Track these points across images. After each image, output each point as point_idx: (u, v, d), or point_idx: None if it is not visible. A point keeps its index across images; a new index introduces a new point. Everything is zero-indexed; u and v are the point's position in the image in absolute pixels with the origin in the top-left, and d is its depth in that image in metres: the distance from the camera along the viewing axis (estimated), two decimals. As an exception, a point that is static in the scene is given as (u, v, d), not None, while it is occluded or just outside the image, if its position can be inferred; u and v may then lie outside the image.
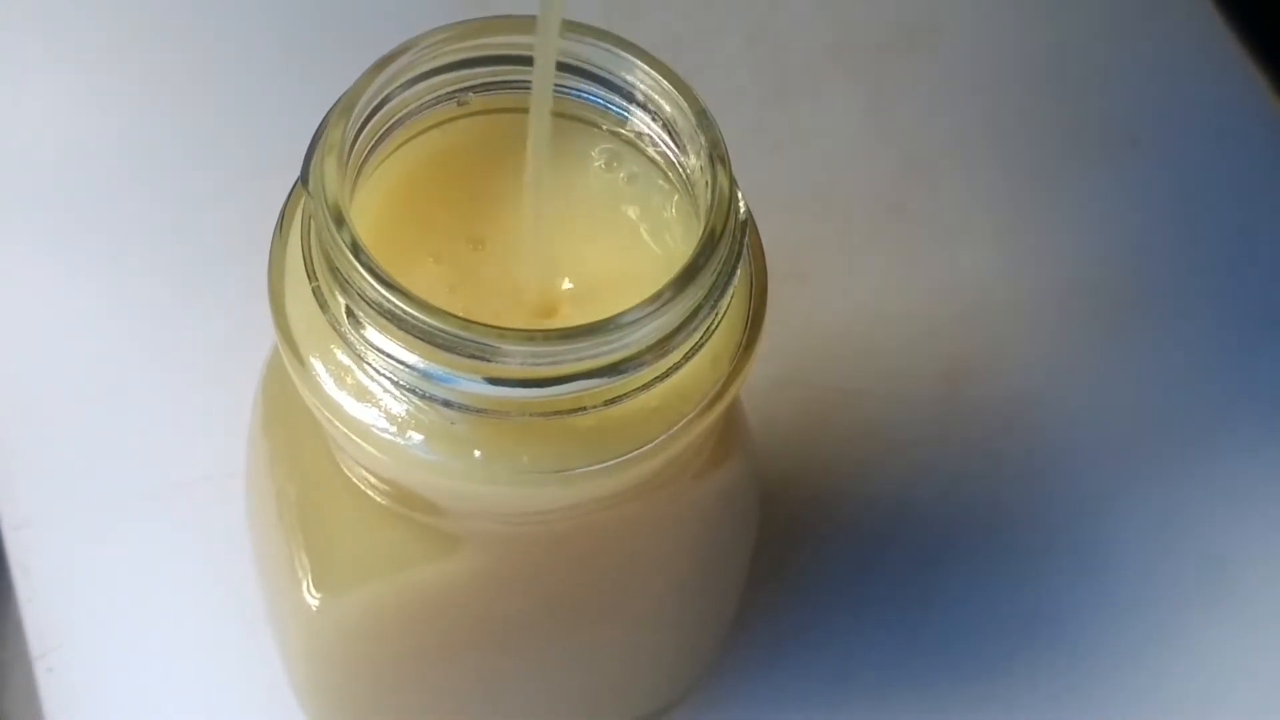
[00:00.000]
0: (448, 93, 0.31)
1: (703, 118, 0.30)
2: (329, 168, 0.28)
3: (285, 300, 0.30)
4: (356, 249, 0.28)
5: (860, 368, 0.45)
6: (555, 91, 0.30)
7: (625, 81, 0.31)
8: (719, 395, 0.30)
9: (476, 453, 0.29)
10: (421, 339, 0.27)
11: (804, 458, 0.44)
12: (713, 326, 0.29)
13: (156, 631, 0.41)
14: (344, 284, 0.28)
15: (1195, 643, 0.43)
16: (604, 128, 0.32)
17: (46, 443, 0.43)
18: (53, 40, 0.49)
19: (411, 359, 0.28)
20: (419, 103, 0.31)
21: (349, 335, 0.28)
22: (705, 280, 0.28)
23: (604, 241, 0.32)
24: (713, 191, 0.29)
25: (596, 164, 0.32)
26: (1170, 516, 0.44)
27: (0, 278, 0.45)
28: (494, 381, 0.28)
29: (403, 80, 0.30)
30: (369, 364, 0.29)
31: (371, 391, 0.29)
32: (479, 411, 0.28)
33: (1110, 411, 0.45)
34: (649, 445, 0.29)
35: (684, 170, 0.31)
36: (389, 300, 0.27)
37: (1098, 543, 0.44)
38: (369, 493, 0.32)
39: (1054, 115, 0.50)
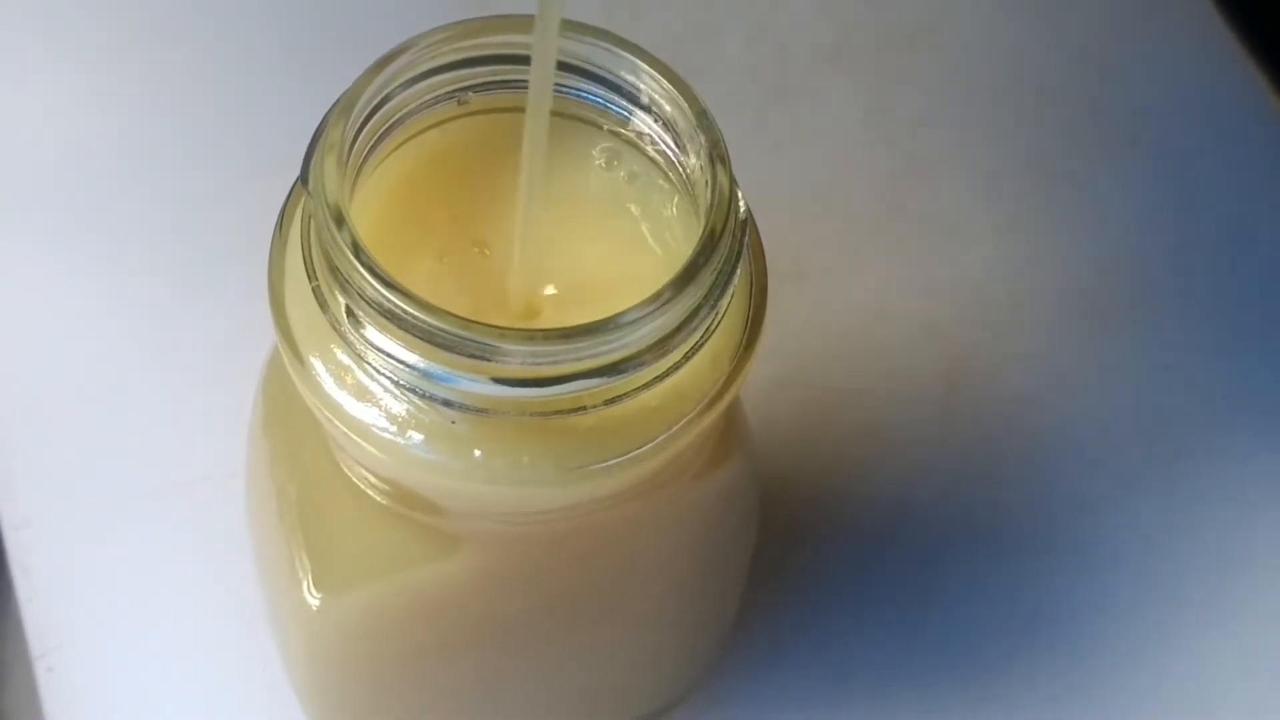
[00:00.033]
0: (447, 92, 0.31)
1: (703, 117, 0.30)
2: (329, 167, 0.28)
3: (285, 300, 0.30)
4: (356, 249, 0.28)
5: (860, 368, 0.45)
6: (555, 91, 0.30)
7: (625, 81, 0.31)
8: (719, 395, 0.30)
9: (476, 452, 0.29)
10: (422, 338, 0.27)
11: (804, 458, 0.44)
12: (713, 326, 0.29)
13: (156, 631, 0.41)
14: (344, 283, 0.28)
15: (1195, 643, 0.43)
16: (604, 127, 0.32)
17: (46, 443, 0.43)
18: (53, 40, 0.49)
19: (412, 358, 0.28)
20: (419, 102, 0.31)
21: (349, 335, 0.28)
22: (705, 280, 0.28)
23: (604, 241, 0.32)
24: (713, 191, 0.29)
25: (596, 163, 0.32)
26: (1170, 516, 0.44)
27: (0, 278, 0.45)
28: (494, 381, 0.28)
29: (402, 80, 0.30)
30: (369, 363, 0.29)
31: (371, 391, 0.29)
32: (479, 411, 0.28)
33: (1110, 411, 0.45)
34: (649, 445, 0.29)
35: (684, 170, 0.31)
36: (389, 300, 0.27)
37: (1098, 543, 0.44)
38: (369, 492, 0.32)
39: (1054, 115, 0.50)
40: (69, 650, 0.41)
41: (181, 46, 0.49)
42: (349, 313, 0.28)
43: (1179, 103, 0.50)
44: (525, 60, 0.30)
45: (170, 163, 0.47)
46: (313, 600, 0.33)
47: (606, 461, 0.29)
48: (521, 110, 0.30)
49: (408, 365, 0.28)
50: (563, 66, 0.30)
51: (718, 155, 0.29)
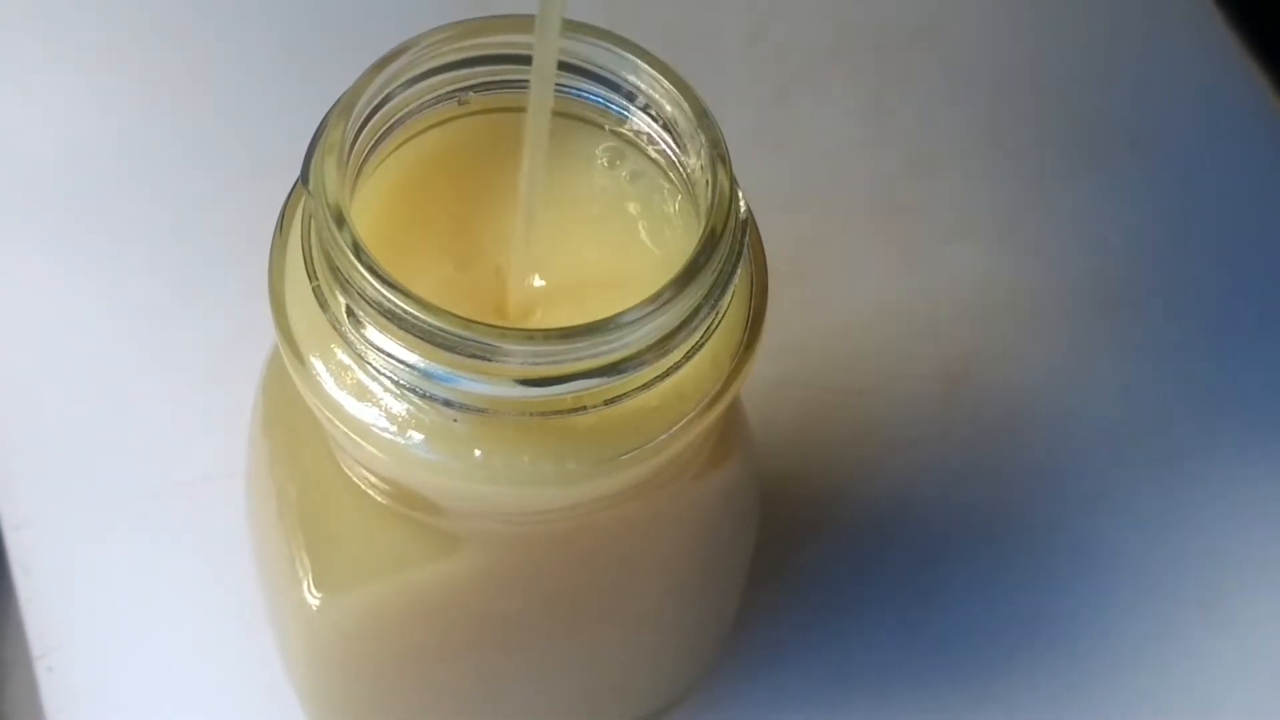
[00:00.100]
0: (448, 92, 0.31)
1: (703, 117, 0.30)
2: (329, 167, 0.28)
3: (285, 300, 0.30)
4: (357, 249, 0.28)
5: (860, 368, 0.45)
6: (556, 91, 0.30)
7: (626, 81, 0.31)
8: (719, 395, 0.30)
9: (477, 452, 0.29)
10: (422, 338, 0.27)
11: (804, 458, 0.44)
12: (713, 326, 0.29)
13: (156, 631, 0.41)
14: (344, 283, 0.28)
15: (1195, 643, 0.43)
16: (605, 127, 0.32)
17: (46, 443, 0.43)
18: (53, 40, 0.49)
19: (412, 358, 0.28)
20: (419, 102, 0.31)
21: (349, 335, 0.28)
22: (705, 280, 0.28)
23: (604, 242, 0.32)
24: (713, 191, 0.29)
25: (597, 163, 0.32)
26: (1170, 516, 0.44)
27: (0, 278, 0.45)
28: (494, 381, 0.28)
29: (403, 80, 0.30)
30: (369, 363, 0.29)
31: (372, 391, 0.29)
32: (479, 411, 0.28)
33: (1110, 411, 0.45)
34: (649, 445, 0.29)
35: (684, 170, 0.31)
36: (389, 300, 0.27)
37: (1098, 543, 0.44)
38: (369, 492, 0.32)
39: (1054, 115, 0.50)
40: (69, 650, 0.41)
41: (181, 46, 0.49)
42: (349, 312, 0.28)
43: (1179, 103, 0.50)
44: (526, 60, 0.30)
45: (170, 163, 0.47)
46: (313, 600, 0.33)
47: (606, 461, 0.29)
48: (522, 110, 0.30)
49: (408, 365, 0.28)
50: (563, 66, 0.30)
51: (718, 155, 0.29)
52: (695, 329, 0.29)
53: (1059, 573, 0.43)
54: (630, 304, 0.28)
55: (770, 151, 0.48)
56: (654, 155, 0.31)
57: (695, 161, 0.30)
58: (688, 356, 0.29)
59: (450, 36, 0.30)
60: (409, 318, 0.27)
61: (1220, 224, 0.49)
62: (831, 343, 0.46)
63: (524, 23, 0.30)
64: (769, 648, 0.42)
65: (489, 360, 0.27)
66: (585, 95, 0.31)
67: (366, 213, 0.31)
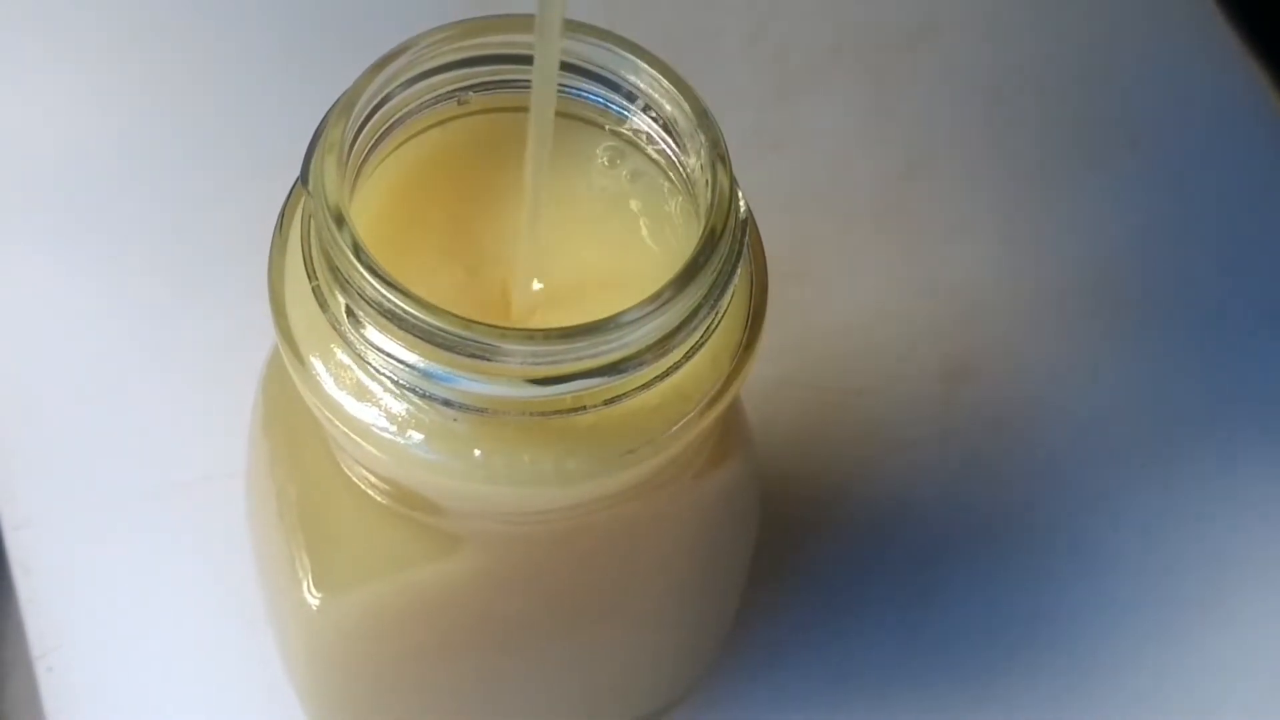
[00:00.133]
0: (447, 92, 0.31)
1: (703, 117, 0.30)
2: (329, 167, 0.28)
3: (285, 300, 0.30)
4: (357, 248, 0.28)
5: (860, 368, 0.45)
6: (558, 91, 0.30)
7: (626, 81, 0.31)
8: (719, 395, 0.30)
9: (477, 452, 0.29)
10: (422, 338, 0.27)
11: (804, 458, 0.44)
12: (713, 326, 0.29)
13: (156, 631, 0.41)
14: (344, 283, 0.28)
15: (1195, 643, 0.43)
16: (605, 127, 0.32)
17: (46, 443, 0.43)
18: (53, 40, 0.49)
19: (412, 358, 0.28)
20: (419, 102, 0.31)
21: (349, 334, 0.28)
22: (705, 279, 0.28)
23: (603, 241, 0.32)
24: (713, 191, 0.29)
25: (597, 163, 0.32)
26: (1170, 516, 0.44)
27: (0, 278, 0.45)
28: (494, 380, 0.28)
29: (402, 79, 0.30)
30: (369, 363, 0.29)
31: (371, 391, 0.29)
32: (479, 411, 0.28)
33: (1110, 411, 0.45)
34: (649, 445, 0.29)
35: (684, 170, 0.31)
36: (389, 300, 0.27)
37: (1097, 543, 0.44)
38: (369, 492, 0.32)
39: (1054, 115, 0.50)
40: (69, 650, 0.41)
41: (181, 46, 0.49)
42: (349, 312, 0.28)
43: (1179, 103, 0.50)
44: (525, 60, 0.30)
45: (170, 163, 0.47)
46: (313, 600, 0.33)
47: (606, 461, 0.29)
48: (522, 110, 0.30)
49: (408, 365, 0.28)
50: (564, 66, 0.30)
51: (718, 155, 0.29)
52: (695, 329, 0.29)
53: (1059, 573, 0.43)
54: (630, 304, 0.28)
55: (770, 151, 0.48)
56: (654, 155, 0.31)
57: (695, 161, 0.30)
58: (688, 356, 0.29)
59: (450, 36, 0.30)
60: (409, 318, 0.27)
61: (1220, 224, 0.49)
62: (831, 343, 0.46)
63: (523, 22, 0.30)
64: (769, 648, 0.42)
65: (489, 360, 0.27)
66: (585, 95, 0.31)
67: (366, 213, 0.31)
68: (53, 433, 0.43)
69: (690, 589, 0.37)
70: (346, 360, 0.29)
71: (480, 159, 0.32)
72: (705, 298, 0.28)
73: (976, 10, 0.51)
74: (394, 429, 0.29)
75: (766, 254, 0.31)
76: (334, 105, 0.29)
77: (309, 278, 0.29)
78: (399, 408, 0.29)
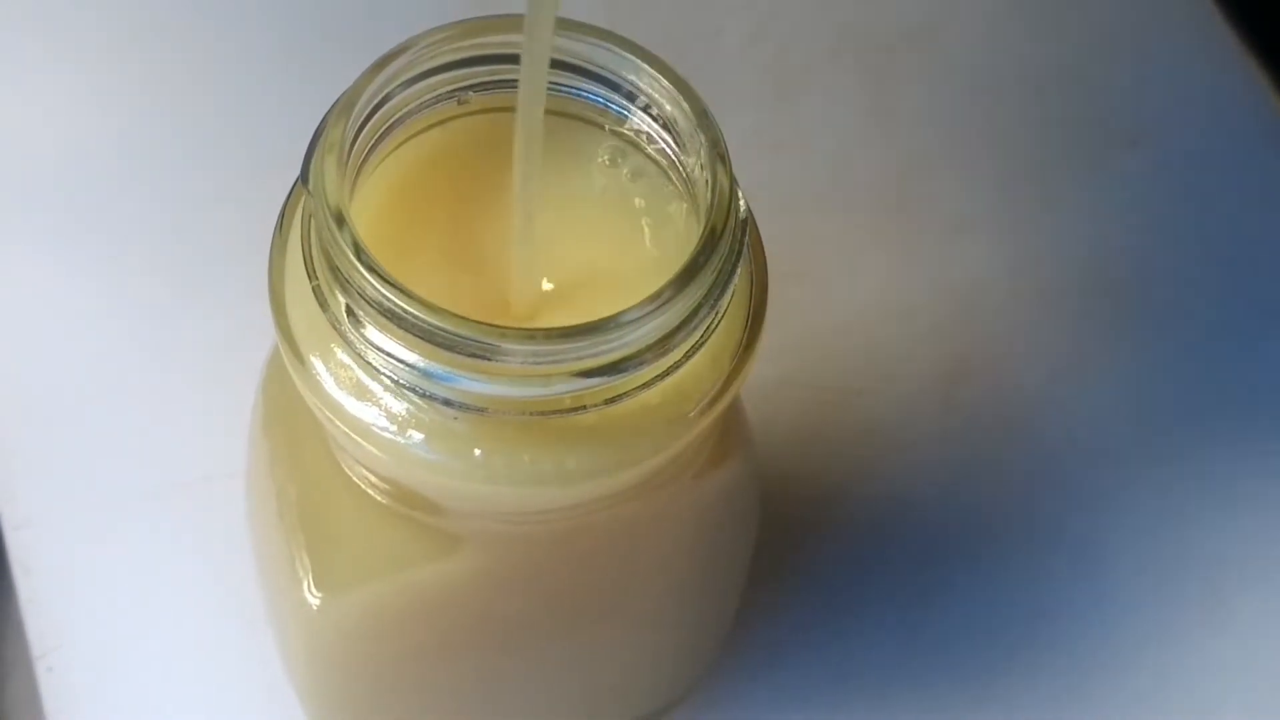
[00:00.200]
0: (447, 91, 0.31)
1: (703, 117, 0.30)
2: (329, 167, 0.28)
3: (285, 299, 0.30)
4: (357, 248, 0.28)
5: (860, 368, 0.45)
6: (557, 91, 0.30)
7: (626, 81, 0.31)
8: (719, 394, 0.30)
9: (477, 452, 0.29)
10: (422, 338, 0.27)
11: (804, 458, 0.44)
12: (713, 326, 0.29)
13: (156, 631, 0.41)
14: (344, 283, 0.28)
15: (1195, 643, 0.43)
16: (605, 127, 0.32)
17: (46, 443, 0.43)
18: (53, 40, 0.49)
19: (412, 358, 0.28)
20: (418, 102, 0.31)
21: (349, 334, 0.28)
22: (705, 279, 0.28)
23: (604, 241, 0.32)
24: (713, 190, 0.29)
25: (596, 163, 0.32)
26: (1170, 516, 0.44)
27: (0, 278, 0.45)
28: (494, 380, 0.28)
29: (402, 79, 0.30)
30: (369, 363, 0.29)
31: (372, 390, 0.29)
32: (479, 410, 0.28)
33: (1110, 411, 0.45)
34: (649, 444, 0.29)
35: (684, 169, 0.31)
36: (389, 299, 0.27)
37: (1097, 543, 0.44)
38: (369, 492, 0.32)
39: (1054, 115, 0.50)
40: (69, 650, 0.41)
41: (181, 46, 0.49)
42: (349, 312, 0.28)
43: (1179, 103, 0.50)
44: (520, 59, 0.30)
45: (170, 163, 0.47)
46: (313, 600, 0.33)
47: (606, 461, 0.29)
48: (521, 109, 0.30)
49: (408, 364, 0.28)
50: (564, 66, 0.30)
51: (718, 154, 0.29)
52: (695, 328, 0.29)
53: (1059, 573, 0.43)
54: (630, 303, 0.28)
55: (770, 151, 0.48)
56: (654, 155, 0.31)
57: (695, 161, 0.30)
58: (688, 356, 0.29)
59: (450, 36, 0.30)
60: (409, 317, 0.27)
61: (1220, 224, 0.49)
62: (831, 342, 0.46)
63: (523, 22, 0.30)
64: (769, 648, 0.42)
65: (489, 360, 0.27)
66: (585, 95, 0.31)
67: (366, 212, 0.31)
68: (53, 433, 0.43)
69: (690, 589, 0.37)
70: (347, 360, 0.29)
71: (480, 159, 0.32)
72: (705, 297, 0.28)
73: (976, 10, 0.51)
74: (394, 428, 0.29)
75: (766, 254, 0.31)
76: (334, 105, 0.29)
77: (309, 277, 0.29)
78: (399, 407, 0.29)
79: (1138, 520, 0.44)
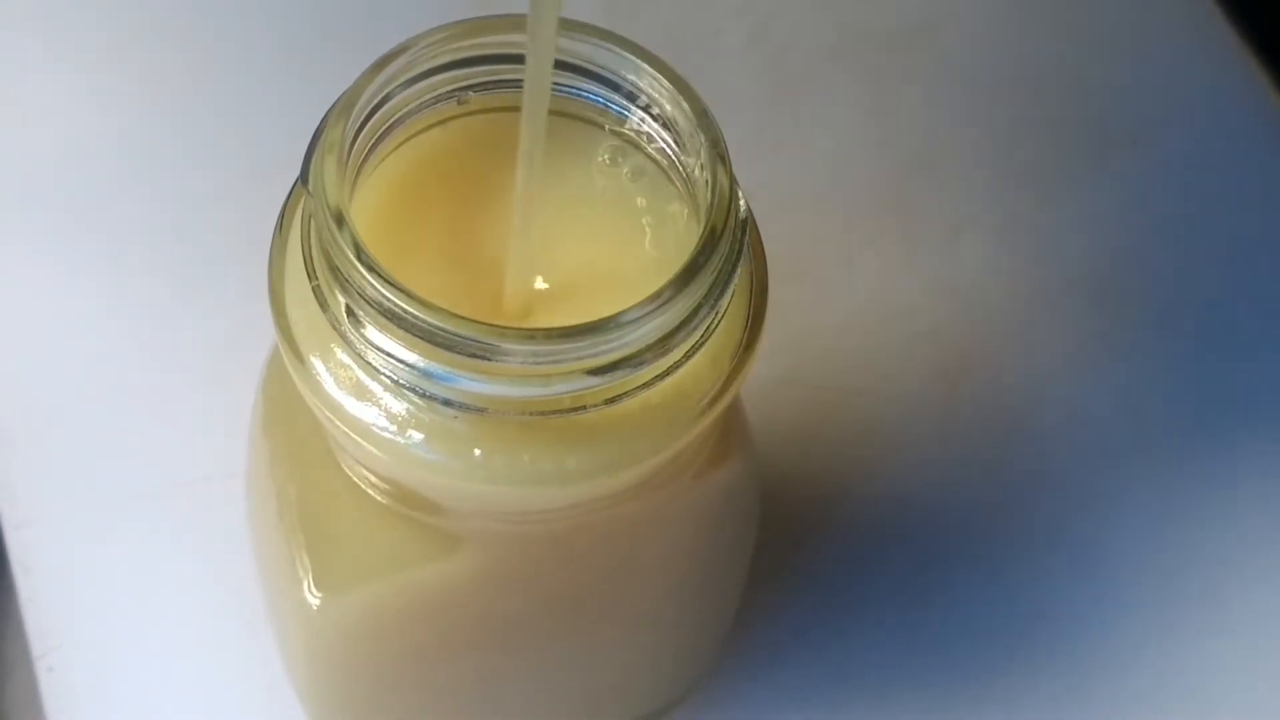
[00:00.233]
0: (447, 91, 0.31)
1: (703, 117, 0.30)
2: (329, 167, 0.28)
3: (285, 299, 0.30)
4: (357, 248, 0.28)
5: (860, 367, 0.45)
6: (557, 91, 0.30)
7: (626, 81, 0.31)
8: (719, 394, 0.30)
9: (476, 451, 0.29)
10: (422, 338, 0.27)
11: (804, 458, 0.44)
12: (713, 326, 0.29)
13: (157, 631, 0.41)
14: (344, 283, 0.28)
15: (1195, 643, 0.43)
16: (605, 127, 0.32)
17: (46, 443, 0.43)
18: (53, 40, 0.49)
19: (412, 357, 0.28)
20: (418, 102, 0.31)
21: (349, 334, 0.28)
22: (705, 279, 0.28)
23: (603, 241, 0.32)
24: (713, 190, 0.29)
25: (597, 163, 0.32)
26: (1170, 516, 0.44)
27: (0, 278, 0.45)
28: (494, 380, 0.28)
29: (402, 79, 0.30)
30: (369, 363, 0.29)
31: (372, 390, 0.29)
32: (479, 410, 0.28)
33: (1110, 411, 0.45)
34: (649, 444, 0.29)
35: (684, 169, 0.31)
36: (389, 299, 0.27)
37: (1098, 543, 0.44)
38: (369, 492, 0.32)
39: (1054, 115, 0.50)
40: (69, 650, 0.41)
41: (181, 46, 0.49)
42: (349, 312, 0.28)
43: (1179, 103, 0.50)
44: (525, 60, 0.30)
45: (170, 163, 0.47)
46: (313, 600, 0.33)
47: (606, 461, 0.29)
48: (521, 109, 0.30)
49: (408, 364, 0.28)
50: (564, 66, 0.30)
51: (718, 154, 0.29)
52: (695, 328, 0.29)
53: (1059, 573, 0.43)
54: (630, 303, 0.28)
55: (770, 151, 0.48)
56: (654, 155, 0.31)
57: (695, 161, 0.30)
58: (688, 356, 0.29)
59: (450, 36, 0.30)
60: (409, 317, 0.27)
61: (1220, 224, 0.49)
62: (831, 342, 0.46)
63: (523, 22, 0.30)
64: (769, 648, 0.42)
65: (489, 359, 0.27)
66: (585, 95, 0.31)
67: (366, 212, 0.31)
68: (53, 433, 0.43)
69: (690, 589, 0.37)
70: (347, 360, 0.29)
71: (480, 158, 0.32)
72: (705, 297, 0.28)
73: (976, 10, 0.51)
74: (394, 428, 0.29)
75: (766, 254, 0.31)
76: (334, 105, 0.29)
77: (309, 277, 0.29)
78: (399, 407, 0.29)
79: (1138, 520, 0.44)
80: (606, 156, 0.32)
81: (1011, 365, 0.46)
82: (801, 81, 0.50)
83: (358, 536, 0.33)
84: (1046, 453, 0.45)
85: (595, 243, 0.32)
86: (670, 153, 0.31)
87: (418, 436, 0.29)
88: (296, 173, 0.30)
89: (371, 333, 0.28)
